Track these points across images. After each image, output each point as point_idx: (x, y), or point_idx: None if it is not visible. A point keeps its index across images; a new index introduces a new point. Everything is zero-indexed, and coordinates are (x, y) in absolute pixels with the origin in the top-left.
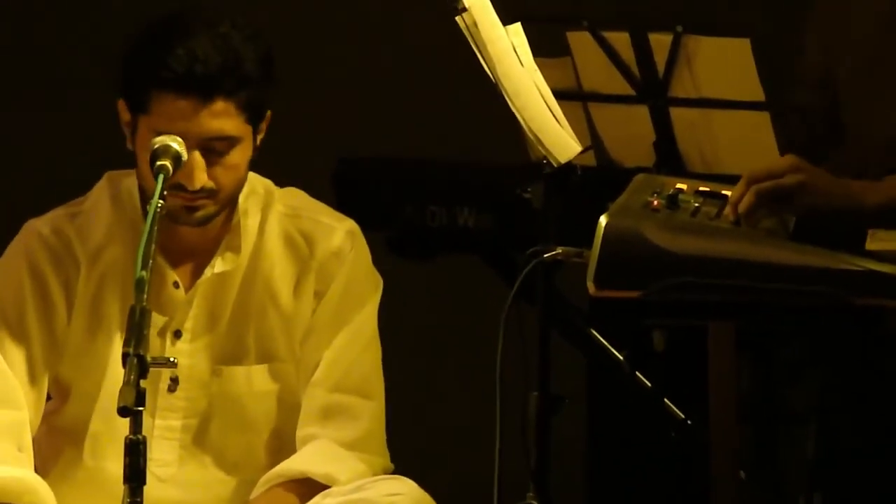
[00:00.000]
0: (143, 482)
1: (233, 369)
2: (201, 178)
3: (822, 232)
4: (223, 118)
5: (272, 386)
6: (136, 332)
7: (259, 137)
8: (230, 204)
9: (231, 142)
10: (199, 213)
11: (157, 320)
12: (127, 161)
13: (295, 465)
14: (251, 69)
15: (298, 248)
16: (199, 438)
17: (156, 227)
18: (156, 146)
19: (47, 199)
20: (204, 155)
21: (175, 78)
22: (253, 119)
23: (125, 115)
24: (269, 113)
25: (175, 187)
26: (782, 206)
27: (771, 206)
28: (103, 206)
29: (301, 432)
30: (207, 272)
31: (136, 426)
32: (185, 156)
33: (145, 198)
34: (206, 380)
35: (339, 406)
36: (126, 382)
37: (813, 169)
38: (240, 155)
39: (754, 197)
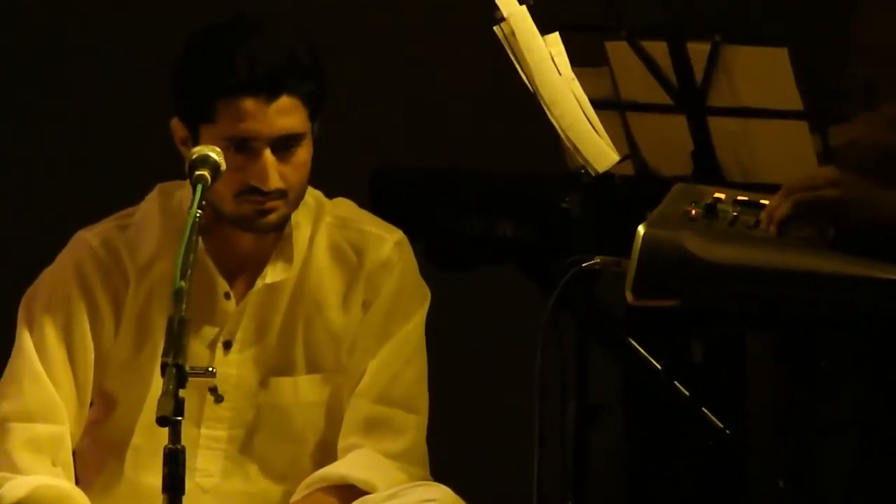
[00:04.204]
0: (182, 492)
1: (281, 380)
2: (275, 179)
3: (861, 241)
4: (290, 115)
5: (320, 397)
6: (174, 341)
7: (315, 135)
8: (295, 208)
9: (298, 138)
10: (273, 216)
11: (207, 331)
12: (176, 172)
13: (337, 470)
14: (308, 63)
15: (347, 259)
16: (245, 449)
17: (194, 238)
18: (194, 156)
19: (98, 208)
20: (274, 154)
21: (241, 81)
22: (313, 114)
23: (181, 132)
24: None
25: (248, 192)
26: (820, 218)
27: (808, 218)
28: (153, 218)
29: (343, 443)
30: (259, 283)
31: (175, 436)
32: (223, 165)
33: (214, 213)
34: (253, 390)
35: (382, 418)
36: (165, 392)
37: (852, 182)
38: (306, 152)
39: (791, 208)
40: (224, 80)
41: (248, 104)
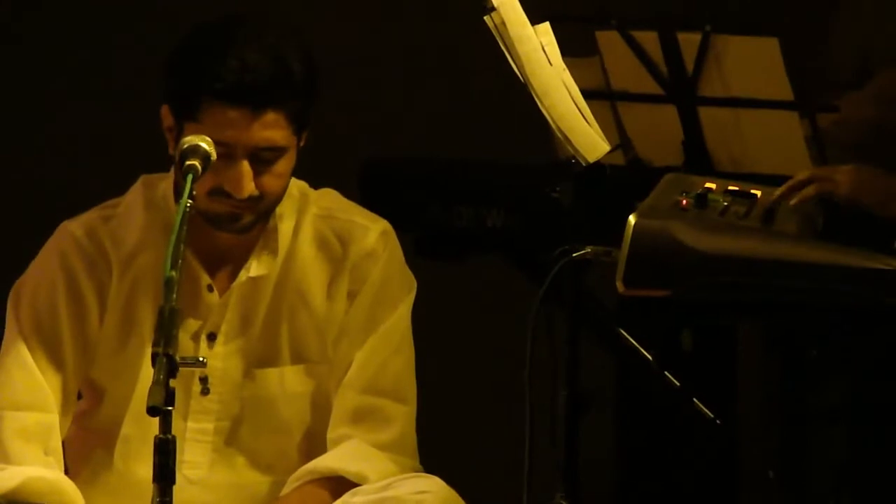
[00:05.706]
0: (173, 482)
1: (266, 371)
2: (249, 188)
3: (851, 230)
4: (273, 129)
5: (305, 387)
6: (165, 331)
7: (300, 145)
8: (271, 212)
9: (279, 152)
10: (243, 221)
11: (191, 324)
12: (162, 164)
13: (326, 462)
14: (300, 79)
15: (332, 249)
16: (232, 441)
17: (185, 227)
18: (185, 146)
19: (83, 199)
20: (251, 164)
21: (227, 88)
22: (299, 129)
23: (168, 120)
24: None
25: (220, 193)
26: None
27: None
28: (137, 209)
29: (332, 434)
30: (242, 275)
31: (166, 426)
32: (213, 155)
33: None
34: (239, 382)
35: (370, 408)
36: (155, 382)
37: (872, 180)
38: (286, 164)
39: (814, 192)
40: (212, 83)
41: (232, 113)
